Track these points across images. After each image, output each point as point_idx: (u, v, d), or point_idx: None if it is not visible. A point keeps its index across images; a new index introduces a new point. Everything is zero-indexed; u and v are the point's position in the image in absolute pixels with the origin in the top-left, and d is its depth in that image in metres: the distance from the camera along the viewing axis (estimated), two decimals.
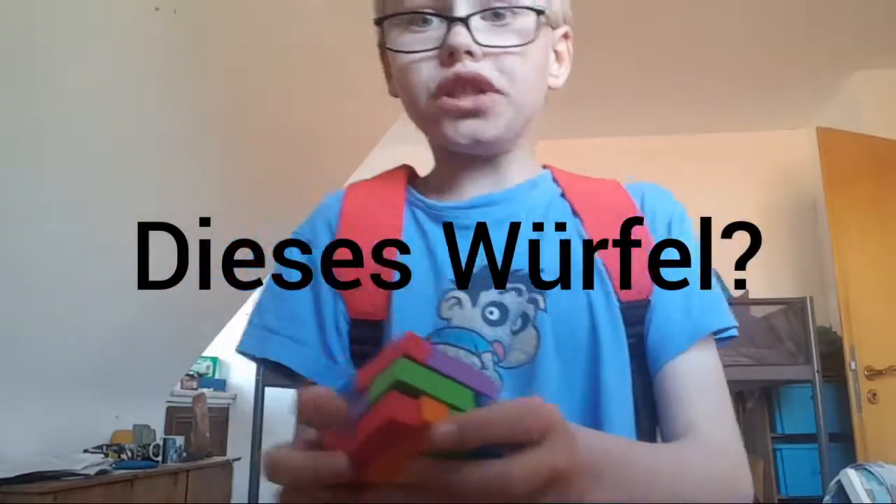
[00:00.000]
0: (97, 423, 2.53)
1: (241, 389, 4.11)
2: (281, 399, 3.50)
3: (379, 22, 0.65)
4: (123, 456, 2.36)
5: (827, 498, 1.82)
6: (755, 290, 3.62)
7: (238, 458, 3.05)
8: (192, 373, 3.79)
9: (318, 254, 0.65)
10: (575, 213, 0.66)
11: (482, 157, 0.67)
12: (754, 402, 3.71)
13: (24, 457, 2.02)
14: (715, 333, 0.64)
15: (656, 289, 0.63)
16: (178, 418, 3.21)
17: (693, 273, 0.65)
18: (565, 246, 0.63)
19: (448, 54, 0.60)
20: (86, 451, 2.31)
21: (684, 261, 0.65)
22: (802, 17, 3.08)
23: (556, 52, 0.70)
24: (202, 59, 2.09)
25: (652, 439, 0.64)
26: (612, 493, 0.44)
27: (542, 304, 0.60)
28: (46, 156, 1.77)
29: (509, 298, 0.60)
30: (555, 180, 0.70)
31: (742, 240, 4.06)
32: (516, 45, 0.62)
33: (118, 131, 1.94)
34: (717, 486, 0.54)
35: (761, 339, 3.18)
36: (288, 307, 0.64)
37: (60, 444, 2.25)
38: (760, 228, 4.11)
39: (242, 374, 4.12)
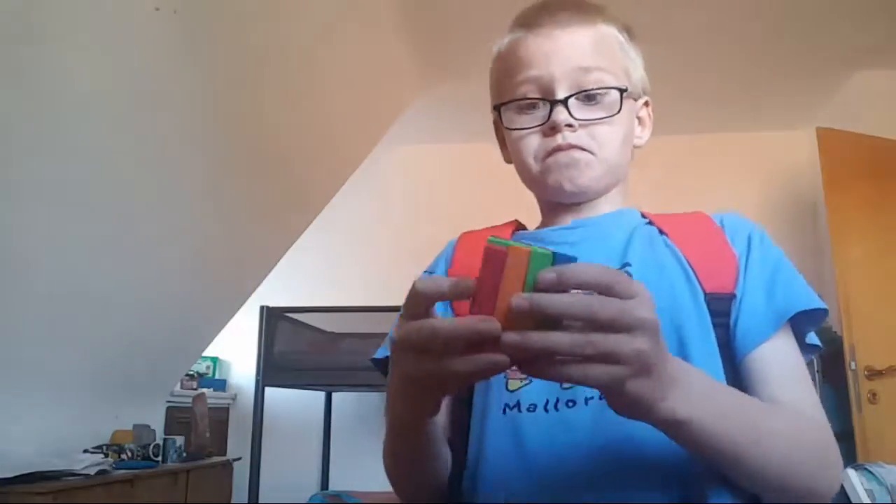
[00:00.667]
0: (97, 423, 2.52)
1: (241, 389, 4.11)
2: (281, 399, 3.52)
3: (497, 108, 0.81)
4: (123, 456, 2.36)
5: None
6: None
7: (238, 458, 3.05)
8: (192, 373, 3.78)
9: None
10: (661, 232, 0.78)
11: (579, 203, 0.81)
12: None
13: (24, 457, 2.02)
14: (801, 316, 0.70)
15: (743, 284, 0.72)
16: (178, 418, 3.20)
17: (775, 269, 0.73)
18: (653, 249, 0.75)
19: (551, 128, 0.76)
20: (86, 451, 2.31)
21: (765, 262, 0.74)
22: (802, 18, 3.08)
23: (638, 117, 0.86)
24: (202, 59, 2.09)
25: None
26: (691, 405, 0.53)
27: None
28: (46, 156, 1.76)
29: None
30: (642, 215, 0.83)
31: None
32: (604, 117, 0.77)
33: (118, 131, 1.94)
34: (807, 443, 0.62)
35: None
36: None
37: (60, 444, 2.25)
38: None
39: (242, 374, 4.12)
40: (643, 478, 0.62)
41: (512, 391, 0.70)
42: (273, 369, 3.06)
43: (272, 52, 2.36)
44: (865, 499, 1.69)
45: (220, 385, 4.11)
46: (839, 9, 3.02)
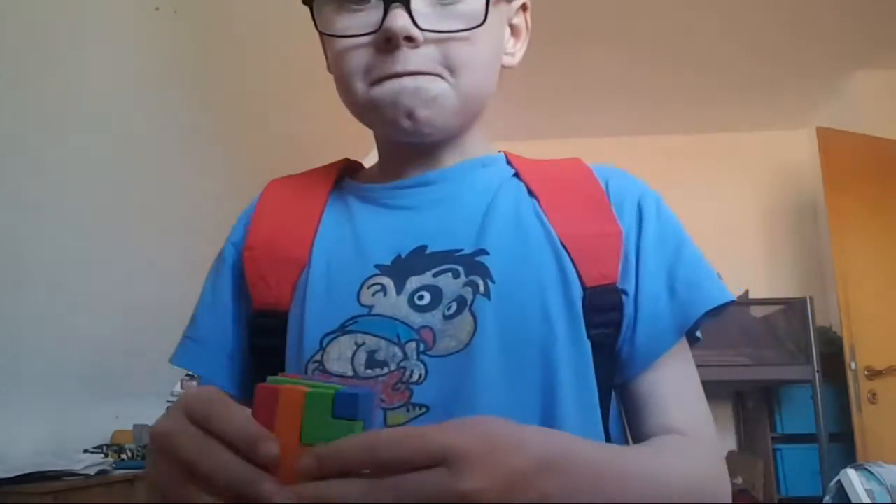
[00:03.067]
0: (97, 423, 2.52)
1: None
2: None
3: (308, 2, 0.58)
4: (123, 456, 2.36)
5: (827, 498, 1.82)
6: (755, 290, 3.63)
7: None
8: (192, 373, 3.78)
9: (229, 247, 0.64)
10: (531, 194, 0.60)
11: (422, 144, 0.60)
12: (754, 402, 3.71)
13: (24, 457, 2.02)
14: (707, 314, 0.57)
15: (636, 276, 0.57)
16: None
17: (676, 253, 0.59)
18: (519, 225, 0.58)
19: (385, 39, 0.54)
20: (86, 451, 2.31)
21: (664, 243, 0.59)
22: (803, 17, 3.08)
23: (511, 26, 0.64)
24: (202, 59, 2.09)
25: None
26: (578, 493, 0.41)
27: (482, 289, 0.54)
28: (46, 156, 1.76)
29: (444, 281, 0.55)
30: (509, 163, 0.64)
31: (742, 242, 4.06)
32: (463, 30, 0.55)
33: (118, 131, 1.94)
34: (699, 490, 0.50)
35: (761, 339, 3.18)
36: (195, 310, 0.63)
37: (60, 444, 2.25)
38: (761, 229, 4.12)
39: None
40: None
41: None
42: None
43: (272, 53, 2.36)
44: (865, 499, 1.69)
45: None
46: (839, 9, 3.02)
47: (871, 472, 1.74)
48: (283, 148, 2.75)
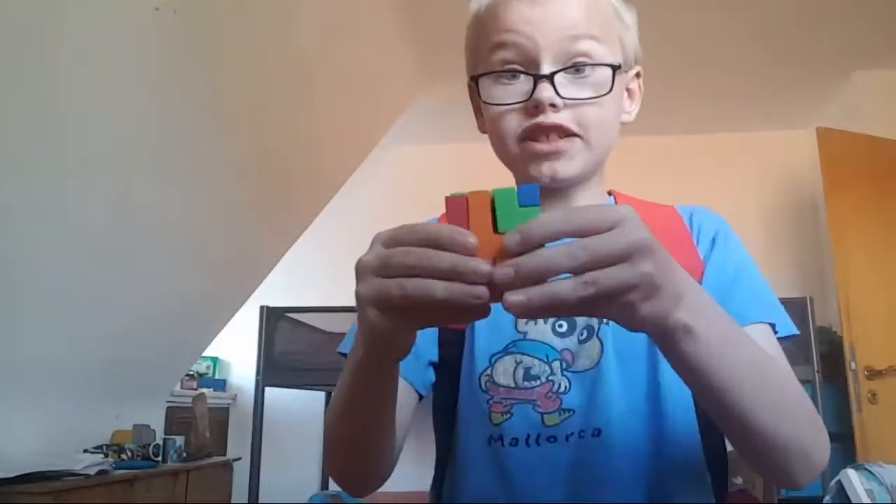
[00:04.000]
0: (97, 423, 2.52)
1: (241, 389, 4.11)
2: (281, 399, 3.52)
3: (475, 79, 0.72)
4: (123, 456, 2.36)
5: (827, 498, 1.82)
6: None
7: (238, 458, 3.04)
8: (192, 373, 3.78)
9: None
10: None
11: (557, 189, 0.74)
12: None
13: (24, 457, 2.02)
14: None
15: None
16: (178, 418, 3.20)
17: (734, 277, 0.71)
18: None
19: (534, 106, 0.68)
20: (86, 451, 2.31)
21: (723, 272, 0.71)
22: (802, 17, 3.08)
23: (628, 90, 0.79)
24: (202, 59, 2.09)
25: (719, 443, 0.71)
26: (707, 322, 0.49)
27: (605, 319, 0.64)
28: (46, 156, 1.76)
29: None
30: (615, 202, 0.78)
31: (742, 240, 4.06)
32: (594, 97, 0.69)
33: (118, 132, 1.94)
34: (798, 397, 0.61)
35: None
36: None
37: (60, 444, 2.25)
38: (761, 228, 4.12)
39: (242, 374, 4.12)
40: None
41: (496, 424, 0.69)
42: (273, 369, 3.06)
43: (272, 52, 2.36)
44: (865, 499, 1.69)
45: (220, 385, 4.11)
46: (839, 9, 3.02)
47: (871, 472, 1.74)
48: (285, 147, 2.75)
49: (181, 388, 3.51)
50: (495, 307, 0.59)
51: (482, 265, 0.43)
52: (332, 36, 2.62)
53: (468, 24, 0.77)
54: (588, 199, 0.76)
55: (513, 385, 0.69)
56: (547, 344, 0.70)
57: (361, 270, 0.47)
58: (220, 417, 3.89)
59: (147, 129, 2.03)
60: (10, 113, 1.62)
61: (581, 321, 0.70)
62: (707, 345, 0.49)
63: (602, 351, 0.68)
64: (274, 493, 3.21)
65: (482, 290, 0.43)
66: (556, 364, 0.69)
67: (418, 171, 4.23)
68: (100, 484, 2.04)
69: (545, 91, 0.67)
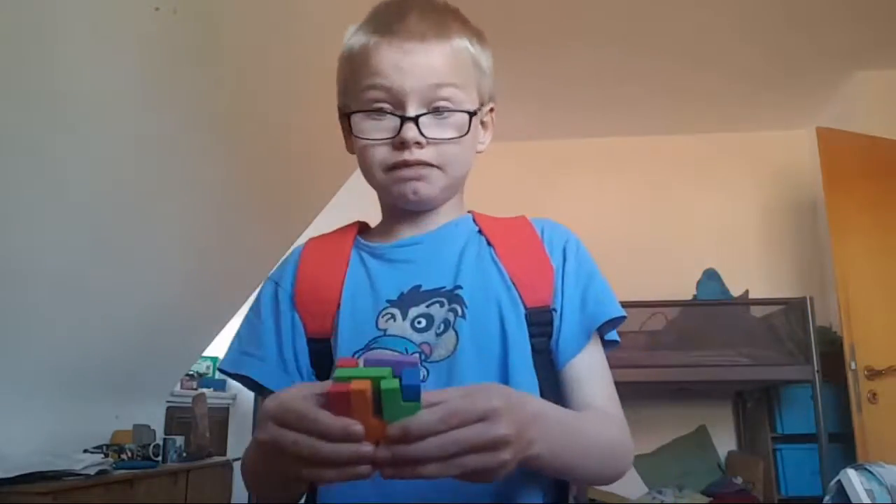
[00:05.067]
0: (97, 423, 2.53)
1: (241, 389, 4.10)
2: None
3: (346, 115, 0.83)
4: (123, 456, 2.36)
5: (827, 498, 1.82)
6: (755, 290, 3.63)
7: (238, 458, 3.04)
8: (192, 373, 3.78)
9: (282, 290, 0.85)
10: (489, 244, 0.84)
11: (417, 210, 0.84)
12: (754, 402, 3.71)
13: (24, 457, 2.02)
14: (607, 323, 0.80)
15: (561, 298, 0.80)
16: (178, 418, 3.20)
17: (587, 281, 0.82)
18: (481, 267, 0.81)
19: (401, 143, 0.78)
20: (86, 451, 2.31)
21: (579, 274, 0.82)
22: (802, 17, 3.09)
23: (482, 122, 0.88)
24: (202, 59, 2.09)
25: None
26: (550, 444, 0.63)
27: (461, 312, 0.77)
28: (46, 156, 1.76)
29: (434, 310, 0.78)
30: (474, 221, 0.88)
31: (742, 242, 4.07)
32: (454, 137, 0.79)
33: (118, 132, 1.94)
34: (616, 447, 0.75)
35: (761, 339, 3.18)
36: (257, 333, 0.84)
37: (60, 444, 2.25)
38: (760, 228, 4.12)
39: None
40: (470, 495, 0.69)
41: None
42: None
43: (272, 52, 2.36)
44: (865, 499, 1.69)
45: (220, 385, 4.11)
46: (839, 9, 3.02)
47: (871, 472, 1.74)
48: (284, 147, 2.75)
49: (181, 388, 3.52)
50: (358, 306, 0.79)
51: (365, 448, 0.52)
52: (333, 35, 2.61)
53: (340, 56, 0.87)
54: (445, 218, 0.86)
55: None
56: (406, 339, 0.76)
57: (267, 450, 0.57)
58: (220, 417, 3.89)
59: (147, 129, 2.03)
60: (9, 112, 1.62)
61: (438, 317, 0.77)
62: (552, 460, 0.64)
63: (458, 341, 0.75)
64: None
65: (365, 469, 0.53)
66: (416, 356, 0.75)
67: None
68: (100, 484, 2.04)
69: (410, 131, 0.77)
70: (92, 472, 2.04)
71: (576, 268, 0.83)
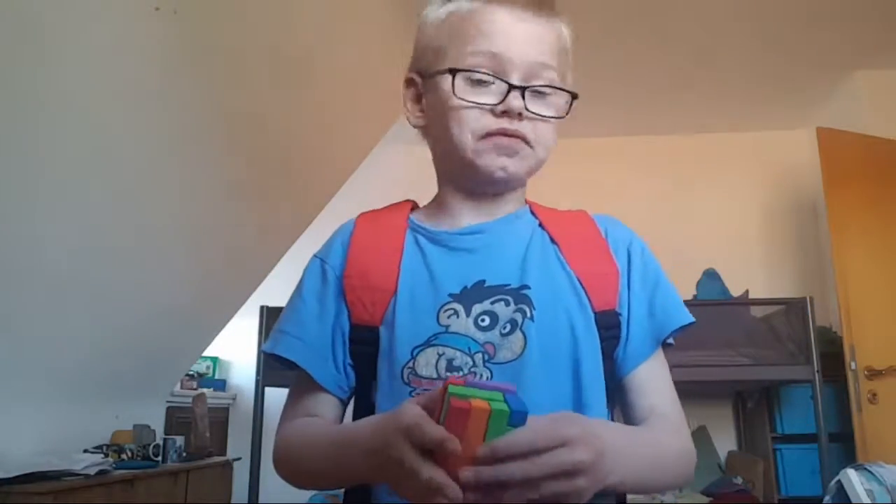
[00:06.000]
0: (97, 423, 2.52)
1: (241, 389, 4.11)
2: (281, 399, 3.52)
3: (452, 72, 0.76)
4: (123, 456, 2.36)
5: (827, 498, 1.82)
6: (755, 290, 3.63)
7: (238, 458, 3.05)
8: (192, 373, 3.78)
9: (330, 270, 0.81)
10: (553, 241, 0.81)
11: (486, 193, 0.81)
12: (754, 402, 3.71)
13: (24, 457, 2.02)
14: (676, 330, 0.79)
15: (628, 303, 0.78)
16: (178, 418, 3.20)
17: (654, 286, 0.80)
18: (547, 266, 0.78)
19: (504, 111, 0.74)
20: (86, 451, 2.31)
21: (646, 279, 0.80)
22: (802, 17, 3.09)
23: None
24: (202, 59, 2.09)
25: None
26: (626, 472, 0.63)
27: (529, 314, 0.74)
28: (46, 156, 1.76)
29: (499, 308, 0.74)
30: (533, 213, 0.85)
31: (742, 242, 4.06)
32: (553, 117, 0.77)
33: (118, 131, 1.94)
34: (683, 456, 0.74)
35: (761, 339, 3.18)
36: (300, 314, 0.80)
37: (60, 444, 2.25)
38: (761, 228, 4.12)
39: (242, 374, 4.11)
40: None
41: None
42: (273, 369, 3.06)
43: (272, 52, 2.36)
44: (865, 499, 1.69)
45: (220, 385, 4.11)
46: (839, 8, 3.02)
47: (871, 472, 1.74)
48: (284, 147, 2.75)
49: (181, 388, 3.52)
50: (416, 297, 0.76)
51: (455, 492, 0.53)
52: (332, 35, 2.62)
53: (434, 21, 0.81)
54: (512, 205, 0.83)
55: (435, 376, 0.72)
56: (469, 337, 0.73)
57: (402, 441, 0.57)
58: (220, 417, 3.90)
59: (146, 129, 2.03)
60: (10, 112, 1.62)
61: (504, 316, 0.74)
62: (629, 486, 0.66)
63: (525, 344, 0.72)
64: (274, 493, 3.20)
65: (456, 493, 0.53)
66: (479, 356, 0.72)
67: (418, 170, 4.22)
68: (100, 484, 2.04)
69: (517, 100, 0.74)
70: (92, 472, 2.04)
71: (642, 271, 0.80)
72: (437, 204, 0.85)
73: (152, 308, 2.52)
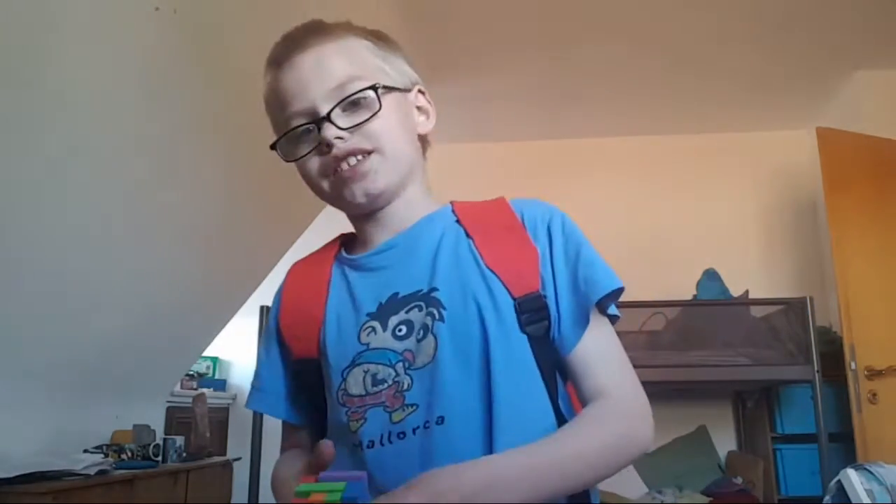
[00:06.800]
0: (97, 423, 2.52)
1: (241, 389, 4.11)
2: None
3: (272, 147, 0.82)
4: (123, 456, 2.36)
5: (827, 498, 1.82)
6: (755, 290, 3.63)
7: (238, 458, 3.05)
8: (192, 373, 3.79)
9: (271, 318, 0.89)
10: (468, 235, 0.81)
11: (379, 209, 0.83)
12: (754, 402, 3.71)
13: (24, 457, 2.02)
14: (605, 297, 0.76)
15: (552, 283, 0.77)
16: (178, 418, 3.20)
17: (575, 259, 0.78)
18: (458, 262, 0.79)
19: (326, 145, 0.78)
20: (86, 451, 2.31)
21: (567, 253, 0.79)
22: (802, 17, 3.09)
23: (418, 108, 0.88)
24: (203, 59, 2.09)
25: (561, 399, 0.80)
26: (521, 496, 0.63)
27: (438, 315, 0.75)
28: (46, 156, 1.76)
29: (414, 315, 0.77)
30: (453, 211, 0.86)
31: (742, 242, 4.06)
32: (368, 117, 0.78)
33: (118, 131, 1.94)
34: (610, 447, 0.71)
35: (761, 339, 3.18)
36: (258, 366, 0.90)
37: (60, 444, 2.25)
38: (760, 228, 4.12)
39: (242, 374, 4.12)
40: None
41: (353, 432, 0.76)
42: None
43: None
44: (865, 499, 1.69)
45: (220, 385, 4.11)
46: (839, 9, 3.02)
47: (871, 472, 1.74)
48: None
49: (181, 388, 3.52)
50: (341, 323, 0.81)
51: None
52: None
53: (265, 99, 0.87)
54: (416, 211, 0.84)
55: (364, 392, 0.76)
56: (388, 349, 0.76)
57: None
58: (220, 417, 3.90)
59: (147, 129, 2.03)
60: (9, 112, 1.62)
61: (418, 322, 0.76)
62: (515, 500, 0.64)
63: (437, 346, 0.74)
64: None
65: None
66: (400, 365, 0.76)
67: None
68: (100, 484, 2.04)
69: (328, 130, 0.77)
70: (92, 472, 2.04)
71: (563, 247, 0.79)
72: (356, 234, 0.90)
73: (152, 308, 2.52)
